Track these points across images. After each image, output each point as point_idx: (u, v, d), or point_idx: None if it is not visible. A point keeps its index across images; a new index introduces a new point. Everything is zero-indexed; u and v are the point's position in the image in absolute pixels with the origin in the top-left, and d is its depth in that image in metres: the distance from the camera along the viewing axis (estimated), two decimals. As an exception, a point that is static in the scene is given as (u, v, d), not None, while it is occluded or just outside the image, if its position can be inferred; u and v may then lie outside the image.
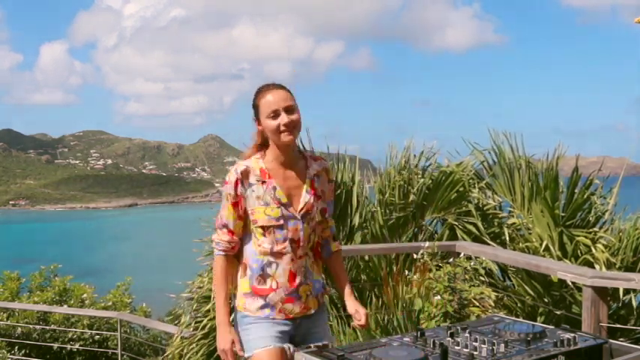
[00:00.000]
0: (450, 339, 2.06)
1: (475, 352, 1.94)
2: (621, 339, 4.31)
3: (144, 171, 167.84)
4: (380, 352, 1.92)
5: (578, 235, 4.88)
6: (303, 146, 5.76)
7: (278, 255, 2.57)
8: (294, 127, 2.54)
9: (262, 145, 2.64)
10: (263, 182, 2.58)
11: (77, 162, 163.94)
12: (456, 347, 2.00)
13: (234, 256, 2.65)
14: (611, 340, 2.15)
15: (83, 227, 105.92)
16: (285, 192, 2.59)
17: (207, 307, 5.29)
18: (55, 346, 8.32)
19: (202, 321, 5.36)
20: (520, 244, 5.12)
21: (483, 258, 4.61)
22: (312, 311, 2.64)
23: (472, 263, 4.39)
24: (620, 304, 4.70)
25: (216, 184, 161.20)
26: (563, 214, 4.97)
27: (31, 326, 8.42)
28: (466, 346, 1.99)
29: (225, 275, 2.61)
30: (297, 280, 2.59)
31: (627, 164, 5.94)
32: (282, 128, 2.52)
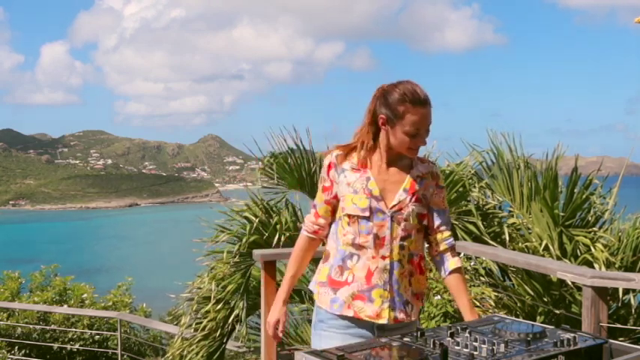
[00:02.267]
0: (450, 339, 2.06)
1: (475, 352, 1.94)
2: (621, 339, 4.31)
3: (144, 171, 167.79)
4: (380, 352, 1.92)
5: (578, 235, 4.88)
6: (303, 146, 5.77)
7: (360, 247, 2.44)
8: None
9: (369, 146, 2.50)
10: (357, 170, 2.48)
11: (77, 162, 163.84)
12: (456, 347, 2.00)
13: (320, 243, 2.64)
14: (611, 340, 2.14)
15: (83, 227, 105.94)
16: (380, 185, 2.46)
17: (207, 308, 5.30)
18: (55, 346, 8.33)
19: (202, 322, 5.37)
20: (520, 244, 5.12)
21: (483, 258, 4.62)
22: (386, 321, 2.44)
23: (472, 263, 4.40)
24: (620, 304, 4.70)
25: (216, 184, 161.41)
26: (562, 214, 4.98)
27: (31, 326, 8.44)
28: (466, 346, 1.99)
29: (302, 255, 2.62)
30: (374, 281, 2.43)
31: (627, 164, 5.93)
32: (414, 147, 2.44)
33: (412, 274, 2.52)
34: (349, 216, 2.46)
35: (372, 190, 2.45)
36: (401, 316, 2.47)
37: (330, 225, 2.57)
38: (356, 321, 2.46)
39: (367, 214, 2.43)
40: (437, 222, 2.56)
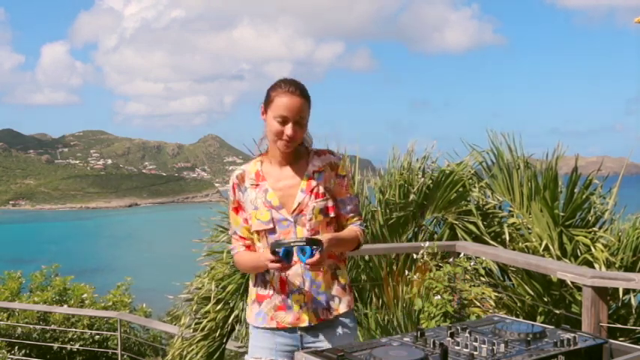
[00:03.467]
0: (450, 339, 2.06)
1: (475, 352, 1.94)
2: (621, 339, 4.32)
3: (144, 171, 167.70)
4: (380, 352, 1.92)
5: (578, 235, 4.88)
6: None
7: None
8: (295, 141, 2.44)
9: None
10: (256, 185, 2.51)
11: (77, 162, 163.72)
12: (456, 347, 2.00)
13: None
14: (611, 340, 2.15)
15: (83, 227, 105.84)
16: (279, 194, 2.49)
17: (207, 309, 5.29)
18: (55, 346, 8.32)
19: (202, 322, 5.36)
20: (520, 244, 5.12)
21: (483, 258, 4.61)
22: (307, 324, 2.48)
23: (472, 263, 4.40)
24: (620, 304, 4.70)
25: (216, 184, 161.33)
26: (562, 214, 4.97)
27: (31, 326, 8.43)
28: (466, 346, 1.99)
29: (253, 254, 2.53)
30: (288, 288, 2.47)
31: (627, 164, 5.93)
32: (284, 137, 2.42)
33: (337, 267, 2.55)
34: (257, 232, 2.50)
35: (272, 201, 2.48)
36: (324, 315, 2.50)
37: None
38: (281, 329, 2.51)
39: (271, 225, 2.46)
40: (343, 211, 2.56)
